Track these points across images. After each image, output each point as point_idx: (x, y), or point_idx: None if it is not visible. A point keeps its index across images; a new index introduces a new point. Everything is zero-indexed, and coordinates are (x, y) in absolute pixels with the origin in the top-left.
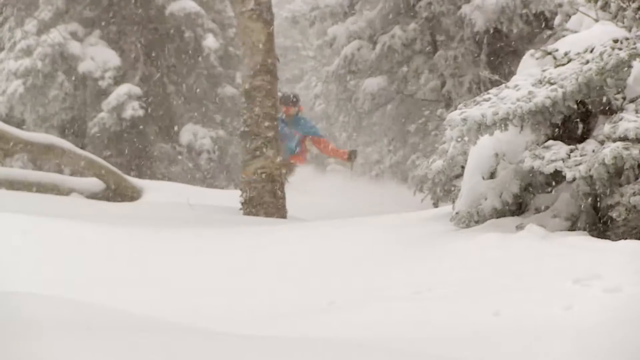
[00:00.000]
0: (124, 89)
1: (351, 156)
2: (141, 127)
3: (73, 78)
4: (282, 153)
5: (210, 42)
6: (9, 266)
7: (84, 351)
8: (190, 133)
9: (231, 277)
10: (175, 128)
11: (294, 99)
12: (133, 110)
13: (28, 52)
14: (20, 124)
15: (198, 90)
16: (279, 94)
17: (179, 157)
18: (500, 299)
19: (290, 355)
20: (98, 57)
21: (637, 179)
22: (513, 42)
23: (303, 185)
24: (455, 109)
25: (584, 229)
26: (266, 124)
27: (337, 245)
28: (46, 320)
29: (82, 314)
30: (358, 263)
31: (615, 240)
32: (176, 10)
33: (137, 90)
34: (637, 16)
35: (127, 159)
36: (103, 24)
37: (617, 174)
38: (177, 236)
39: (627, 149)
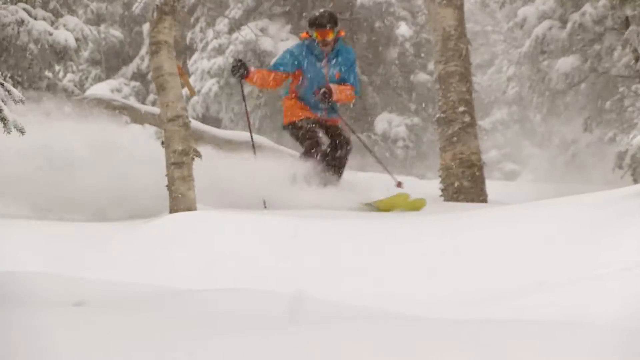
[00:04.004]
0: None
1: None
2: None
3: None
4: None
5: (403, 30)
6: (244, 264)
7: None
8: (385, 122)
9: (435, 263)
10: (370, 117)
11: (333, 19)
12: None
13: (220, 50)
14: (217, 123)
15: (391, 79)
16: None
17: (375, 146)
18: None
19: (507, 338)
20: None
21: None
22: None
23: (501, 169)
24: None
25: None
26: (462, 109)
27: (539, 226)
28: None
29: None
30: (562, 242)
31: None
32: (366, 0)
33: None
34: None
35: None
36: (293, 18)
37: None
38: (373, 224)
39: None
